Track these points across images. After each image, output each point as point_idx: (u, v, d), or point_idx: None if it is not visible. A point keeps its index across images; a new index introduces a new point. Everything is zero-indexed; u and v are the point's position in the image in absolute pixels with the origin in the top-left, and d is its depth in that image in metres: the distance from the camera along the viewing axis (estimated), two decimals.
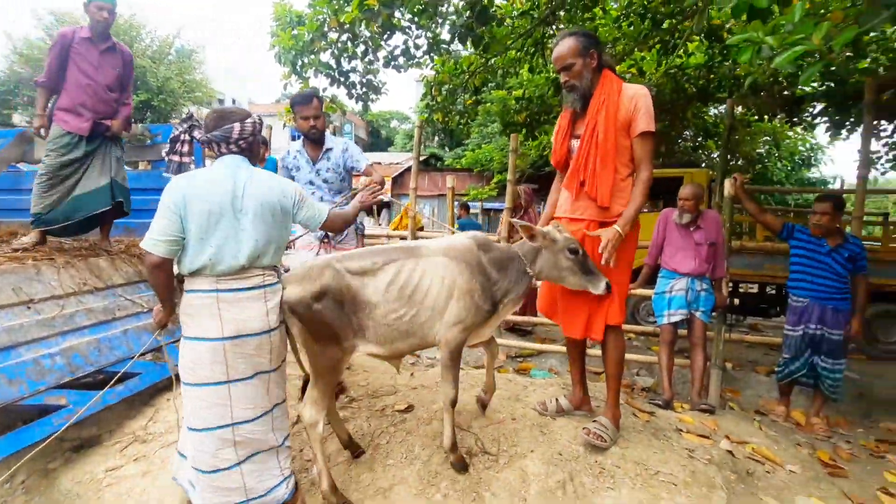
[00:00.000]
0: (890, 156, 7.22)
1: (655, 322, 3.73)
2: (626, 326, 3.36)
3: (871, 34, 5.71)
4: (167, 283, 1.85)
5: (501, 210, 5.54)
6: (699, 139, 11.29)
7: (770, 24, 2.61)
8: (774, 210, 8.82)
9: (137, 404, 2.84)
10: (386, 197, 3.80)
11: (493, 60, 6.64)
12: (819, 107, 6.55)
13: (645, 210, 7.39)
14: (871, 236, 9.00)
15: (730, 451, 2.55)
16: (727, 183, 3.68)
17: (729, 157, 12.35)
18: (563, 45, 2.33)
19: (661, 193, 7.14)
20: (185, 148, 3.61)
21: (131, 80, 3.45)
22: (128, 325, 2.94)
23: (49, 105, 3.24)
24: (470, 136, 18.46)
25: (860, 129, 4.43)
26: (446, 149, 25.27)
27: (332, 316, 2.02)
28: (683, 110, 8.55)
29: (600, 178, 2.31)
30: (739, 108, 8.34)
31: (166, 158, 3.62)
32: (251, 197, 1.85)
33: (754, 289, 6.23)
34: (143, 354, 2.48)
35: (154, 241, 1.75)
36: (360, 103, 6.75)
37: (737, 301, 6.07)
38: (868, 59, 6.23)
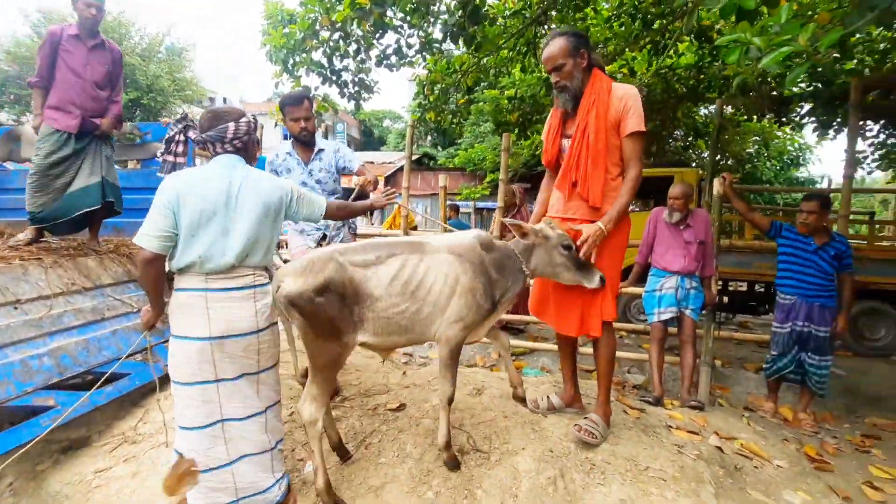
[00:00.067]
0: (876, 156, 7.35)
1: (646, 320, 3.76)
2: (617, 325, 3.39)
3: (857, 36, 5.81)
4: (158, 280, 1.84)
5: (494, 209, 5.55)
6: (689, 139, 11.39)
7: (758, 25, 2.64)
8: (763, 209, 8.93)
9: (127, 405, 2.82)
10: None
11: (485, 60, 6.65)
12: (807, 107, 6.64)
13: (636, 209, 7.49)
14: (857, 235, 9.13)
15: (718, 447, 2.58)
16: (716, 182, 3.72)
17: (718, 156, 12.49)
18: (554, 46, 2.33)
19: (652, 193, 7.20)
20: (180, 148, 3.59)
21: (121, 77, 3.43)
22: (117, 326, 2.92)
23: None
24: (462, 135, 18.48)
25: (847, 130, 4.49)
26: (439, 148, 25.28)
27: (335, 309, 1.99)
28: (674, 110, 8.63)
29: (592, 179, 2.33)
30: (729, 109, 8.43)
31: (161, 159, 3.60)
32: (247, 196, 1.85)
33: (743, 287, 6.29)
34: (132, 355, 2.46)
35: (147, 237, 1.76)
36: (353, 102, 6.73)
37: (725, 299, 6.12)
38: (854, 61, 6.32)
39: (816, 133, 6.86)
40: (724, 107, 7.81)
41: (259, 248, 1.90)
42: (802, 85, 6.77)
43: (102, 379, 2.19)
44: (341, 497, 2.15)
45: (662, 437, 2.57)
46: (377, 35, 5.63)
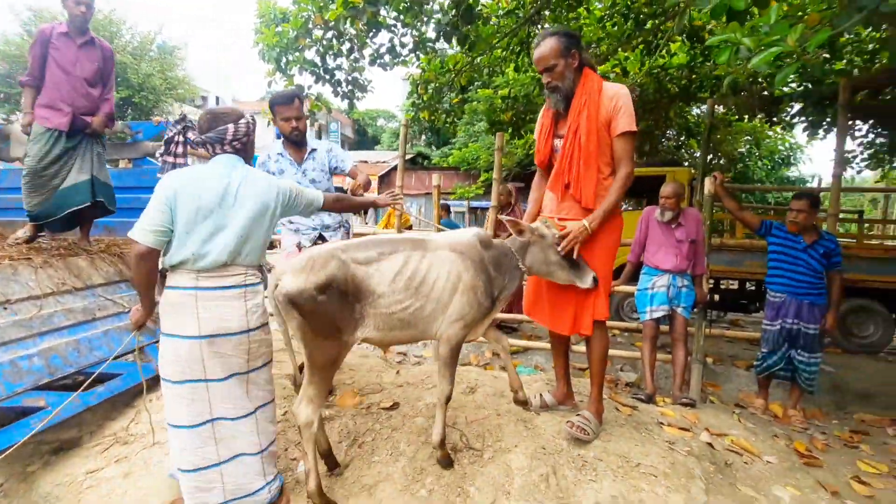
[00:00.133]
0: (865, 155, 7.43)
1: (639, 318, 3.79)
2: (610, 323, 3.41)
3: (847, 36, 5.88)
4: (150, 276, 1.84)
5: (488, 208, 5.57)
6: (682, 138, 11.47)
7: (748, 26, 2.67)
8: (755, 208, 9.02)
9: (119, 405, 2.80)
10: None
11: (478, 59, 6.67)
12: (797, 107, 6.70)
13: (629, 208, 7.53)
14: (848, 233, 9.24)
15: (709, 443, 2.61)
16: (707, 181, 3.75)
17: (710, 156, 12.58)
18: (545, 46, 2.32)
19: (645, 192, 7.24)
20: (180, 149, 3.58)
21: (112, 75, 3.41)
22: (108, 326, 2.90)
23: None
24: (456, 134, 18.49)
25: (836, 129, 4.54)
26: (433, 147, 25.26)
27: (336, 308, 1.96)
28: (666, 110, 8.69)
29: (584, 180, 2.34)
30: (721, 108, 8.49)
31: (160, 159, 3.58)
32: (246, 196, 1.86)
33: (735, 285, 6.35)
34: (122, 356, 2.45)
35: (142, 231, 1.76)
36: (346, 101, 6.72)
37: (717, 297, 6.18)
38: (844, 61, 6.39)
39: (807, 133, 6.92)
40: (716, 106, 7.86)
41: (252, 247, 1.90)
42: (793, 85, 6.83)
43: (89, 380, 2.18)
44: (334, 498, 2.15)
45: (654, 434, 2.59)
46: (370, 34, 5.62)
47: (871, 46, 6.07)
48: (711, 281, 5.68)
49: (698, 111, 10.37)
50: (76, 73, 3.16)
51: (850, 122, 6.36)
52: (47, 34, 3.12)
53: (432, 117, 7.42)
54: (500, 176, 4.89)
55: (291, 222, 3.01)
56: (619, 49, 6.87)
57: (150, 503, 2.19)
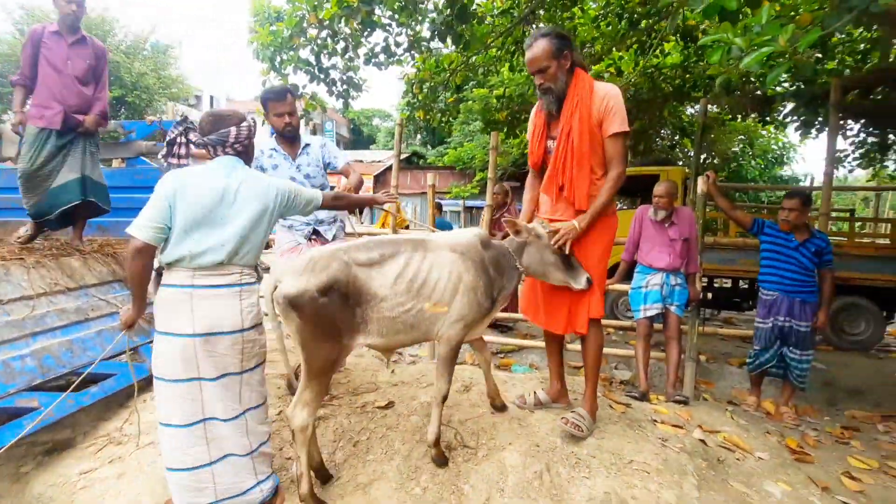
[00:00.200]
0: (856, 154, 7.50)
1: (633, 317, 3.81)
2: (604, 321, 3.43)
3: (839, 36, 5.93)
4: (144, 272, 1.83)
5: (483, 208, 5.58)
6: (676, 137, 11.53)
7: (740, 26, 2.69)
8: (748, 207, 9.08)
9: (113, 406, 2.79)
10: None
11: (473, 58, 6.68)
12: (789, 106, 6.75)
13: (624, 207, 7.56)
14: (840, 232, 9.32)
15: (702, 440, 2.63)
16: (700, 180, 3.77)
17: (704, 155, 12.67)
18: (537, 48, 2.31)
19: (639, 191, 7.27)
20: (183, 150, 3.57)
21: (104, 73, 3.39)
22: (101, 326, 2.89)
23: (27, 103, 3.26)
24: (452, 134, 18.52)
25: (828, 129, 4.58)
26: (429, 147, 25.25)
27: (337, 310, 1.93)
28: (660, 109, 8.73)
29: (577, 182, 2.35)
30: (714, 108, 8.55)
31: (164, 163, 3.57)
32: (246, 197, 1.87)
33: (728, 283, 6.39)
34: (113, 356, 2.44)
35: (140, 226, 1.77)
36: (341, 101, 6.72)
37: (710, 295, 6.21)
38: (835, 61, 6.45)
39: (799, 132, 6.98)
40: (709, 106, 7.92)
41: (250, 248, 1.91)
42: (785, 84, 6.90)
43: (77, 381, 2.17)
44: (329, 497, 2.15)
45: (647, 431, 2.61)
46: (365, 33, 5.62)
47: (862, 46, 6.13)
48: (705, 279, 5.71)
49: (692, 110, 10.44)
50: (67, 72, 3.15)
51: (841, 122, 6.41)
52: (39, 33, 3.13)
53: (427, 116, 7.43)
54: (494, 175, 4.90)
55: (284, 218, 2.99)
56: (614, 49, 6.90)
57: (143, 503, 2.19)
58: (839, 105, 4.28)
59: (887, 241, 7.38)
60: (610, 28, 6.70)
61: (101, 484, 2.29)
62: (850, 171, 8.83)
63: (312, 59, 5.97)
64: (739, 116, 8.50)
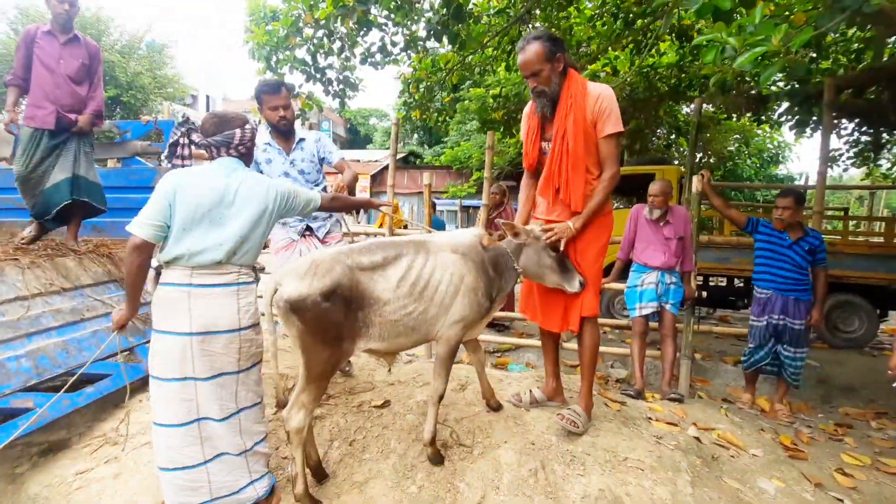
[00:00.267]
0: (851, 153, 7.54)
1: (629, 315, 3.83)
2: (601, 320, 3.44)
3: (833, 36, 5.96)
4: (141, 270, 1.84)
5: (479, 207, 5.59)
6: (672, 137, 11.57)
7: (734, 25, 2.70)
8: (744, 206, 9.11)
9: (109, 406, 2.79)
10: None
11: (470, 58, 6.68)
12: (784, 105, 6.78)
13: (619, 206, 7.58)
14: (835, 230, 9.38)
15: (696, 438, 2.65)
16: (695, 179, 3.79)
17: (700, 154, 12.71)
18: (530, 52, 2.31)
19: (635, 190, 7.29)
20: (186, 151, 3.57)
21: (98, 73, 3.39)
22: (97, 327, 2.88)
23: (22, 103, 3.29)
24: (448, 133, 18.51)
25: (821, 128, 4.61)
26: (425, 146, 25.24)
27: (340, 315, 1.91)
28: (656, 108, 8.76)
29: (573, 184, 2.37)
30: (710, 107, 8.58)
31: (168, 165, 3.57)
32: (245, 198, 1.89)
33: (723, 282, 6.42)
34: (105, 358, 2.44)
35: (140, 224, 1.79)
36: (337, 100, 6.71)
37: (705, 294, 6.24)
38: (829, 60, 6.48)
39: (793, 131, 7.02)
40: (705, 105, 7.94)
41: (248, 248, 1.92)
42: (780, 84, 6.92)
43: (70, 381, 2.16)
44: (325, 496, 2.15)
45: (642, 429, 2.63)
46: (361, 33, 5.62)
47: (856, 46, 6.16)
48: (700, 278, 5.74)
49: (688, 110, 10.47)
50: (60, 71, 3.16)
51: (835, 121, 6.45)
52: (32, 34, 3.15)
53: (424, 116, 7.43)
54: (491, 175, 4.91)
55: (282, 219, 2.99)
56: (609, 48, 6.91)
57: (140, 503, 2.19)
58: (833, 104, 4.30)
59: (881, 240, 7.43)
60: (605, 27, 6.72)
61: (97, 484, 2.29)
62: (845, 170, 8.89)
63: (308, 58, 5.96)
64: (735, 116, 8.54)
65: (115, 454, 2.46)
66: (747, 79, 6.43)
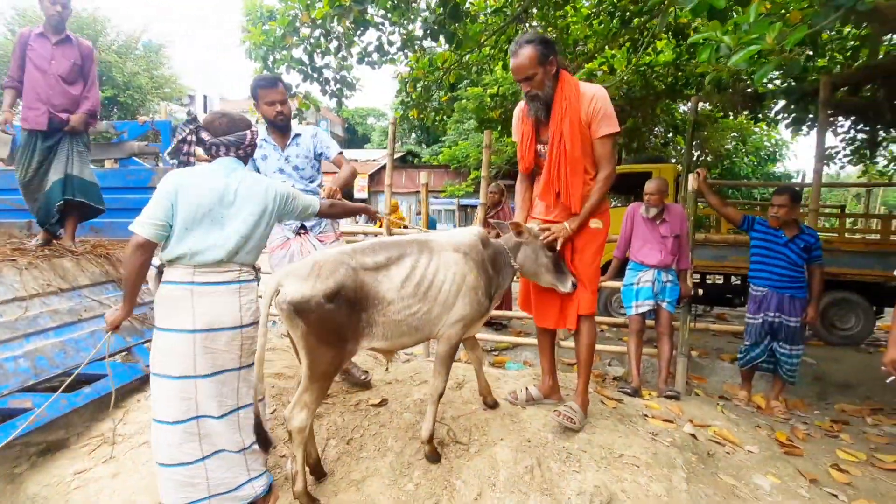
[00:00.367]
0: (847, 151, 7.55)
1: (626, 313, 3.84)
2: (598, 318, 3.46)
3: (829, 34, 5.97)
4: (142, 269, 1.86)
5: (477, 206, 5.60)
6: (669, 135, 11.58)
7: (729, 24, 2.71)
8: (741, 204, 9.14)
9: (106, 406, 2.79)
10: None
11: (467, 57, 6.69)
12: (780, 103, 6.80)
13: (617, 204, 7.60)
14: (832, 228, 9.40)
15: (692, 434, 2.66)
16: (691, 178, 3.81)
17: (697, 152, 12.74)
18: (523, 56, 2.29)
19: (633, 188, 7.30)
20: (193, 149, 3.56)
21: (92, 73, 3.39)
22: (94, 327, 2.88)
23: (17, 105, 3.31)
24: (446, 132, 18.50)
25: (817, 126, 4.62)
26: (423, 145, 25.23)
27: (344, 316, 1.90)
28: (653, 107, 8.78)
29: (572, 187, 2.38)
30: (707, 105, 8.59)
31: (175, 163, 3.57)
32: (245, 198, 1.92)
33: (720, 279, 6.44)
34: (112, 355, 2.45)
35: (142, 223, 1.81)
36: (335, 100, 6.71)
37: (701, 292, 6.26)
38: (825, 58, 6.49)
39: (790, 129, 7.03)
40: (701, 103, 7.96)
41: (250, 247, 1.95)
42: (776, 82, 6.94)
43: (67, 381, 2.17)
44: (323, 494, 2.16)
45: (638, 426, 2.64)
46: (358, 32, 5.62)
47: (851, 44, 6.17)
48: (696, 276, 5.76)
49: (685, 108, 10.49)
50: (51, 71, 3.17)
51: (831, 119, 6.46)
52: (26, 36, 3.18)
53: (421, 115, 7.44)
54: (488, 174, 4.92)
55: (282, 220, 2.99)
56: (606, 47, 6.92)
57: (138, 502, 2.19)
58: (829, 102, 4.32)
59: (877, 237, 7.45)
60: (602, 26, 6.72)
61: (95, 483, 2.30)
62: (842, 168, 8.90)
63: (305, 58, 5.96)
64: (731, 114, 8.55)
65: (113, 454, 2.46)
66: (743, 77, 6.43)
